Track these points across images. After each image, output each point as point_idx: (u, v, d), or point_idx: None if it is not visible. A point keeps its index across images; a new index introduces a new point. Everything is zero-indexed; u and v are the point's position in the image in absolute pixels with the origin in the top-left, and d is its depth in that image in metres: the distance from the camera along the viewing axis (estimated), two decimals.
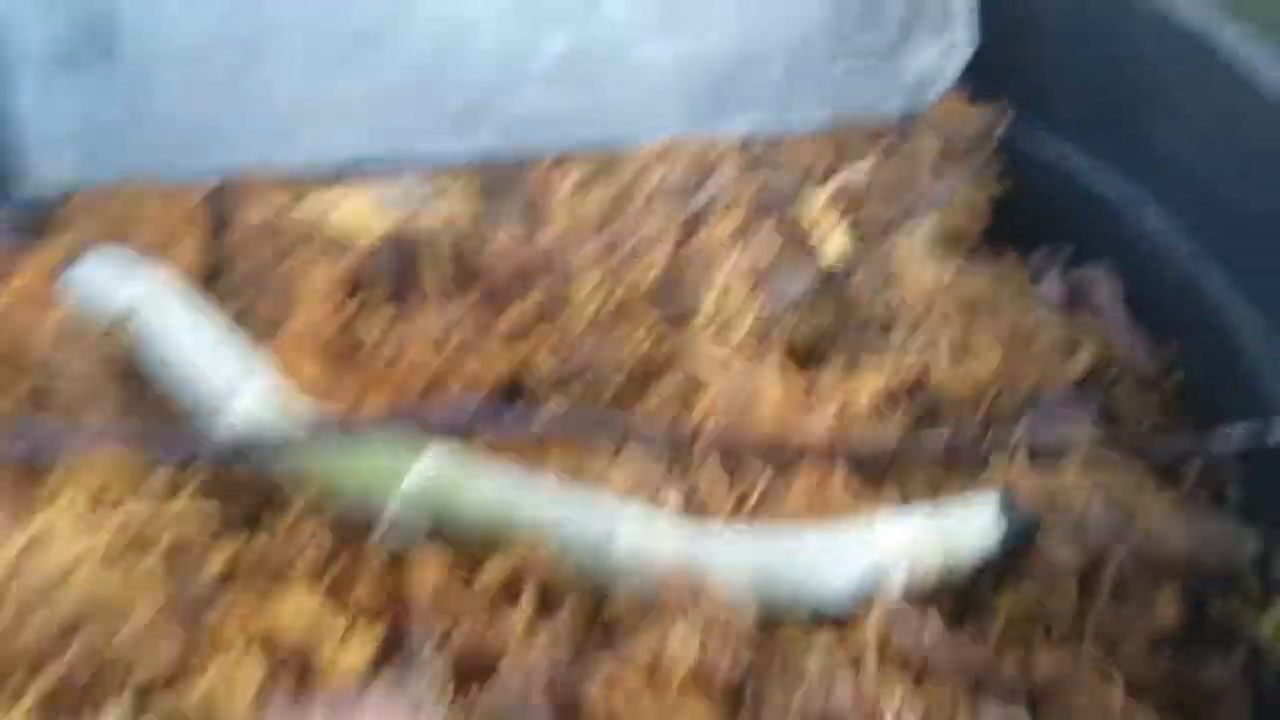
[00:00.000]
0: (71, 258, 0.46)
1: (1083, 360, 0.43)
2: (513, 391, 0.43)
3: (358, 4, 0.48)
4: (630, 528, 0.36)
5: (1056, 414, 0.41)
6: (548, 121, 0.49)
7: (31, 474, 0.41)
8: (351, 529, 0.39)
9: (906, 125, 0.48)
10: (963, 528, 0.36)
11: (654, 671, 0.33)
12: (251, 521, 0.40)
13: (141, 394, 0.43)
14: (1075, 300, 0.46)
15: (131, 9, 0.48)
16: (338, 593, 0.38)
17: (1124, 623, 0.35)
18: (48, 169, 0.49)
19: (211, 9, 0.48)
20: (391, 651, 0.36)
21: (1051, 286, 0.46)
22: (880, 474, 0.39)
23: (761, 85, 0.48)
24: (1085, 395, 0.43)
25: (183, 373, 0.42)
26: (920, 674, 0.34)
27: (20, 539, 0.37)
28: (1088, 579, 0.36)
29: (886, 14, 0.47)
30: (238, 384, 0.41)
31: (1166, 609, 0.35)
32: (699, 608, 0.34)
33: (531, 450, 0.41)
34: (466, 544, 0.38)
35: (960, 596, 0.37)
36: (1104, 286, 0.47)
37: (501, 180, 0.50)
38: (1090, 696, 0.34)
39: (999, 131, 0.48)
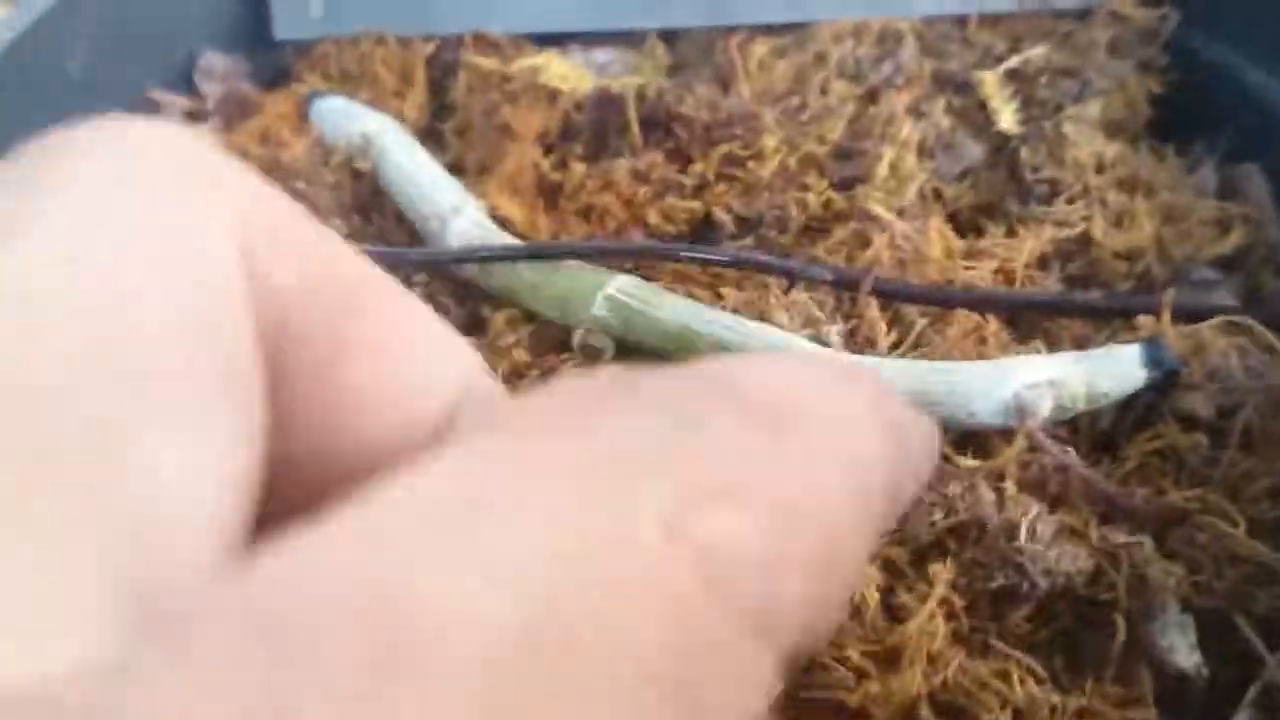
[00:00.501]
0: (314, 95, 0.51)
1: (1232, 241, 0.45)
2: (697, 236, 0.47)
3: None
4: (805, 347, 0.40)
5: (1203, 287, 0.44)
6: None
7: None
8: (548, 342, 0.44)
9: (1081, 16, 0.51)
10: (1108, 369, 0.39)
11: None
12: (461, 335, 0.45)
13: (371, 218, 0.49)
14: (1227, 191, 0.49)
15: None
16: None
17: (1250, 470, 0.38)
18: (296, 21, 0.54)
19: None
20: None
21: (1207, 176, 0.48)
22: (1031, 326, 0.42)
23: None
24: (1231, 273, 0.45)
25: (414, 193, 0.47)
26: (1056, 499, 0.38)
27: None
28: (1219, 429, 0.39)
29: None
30: (459, 205, 0.46)
31: None
32: None
33: (708, 284, 0.45)
34: (651, 362, 0.43)
35: (1099, 437, 0.40)
36: (1256, 181, 0.49)
37: (694, 50, 0.54)
38: (1212, 532, 0.37)
39: (1166, 30, 0.50)
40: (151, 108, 0.54)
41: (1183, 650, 0.35)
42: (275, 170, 0.49)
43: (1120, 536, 0.37)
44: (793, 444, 0.13)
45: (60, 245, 0.13)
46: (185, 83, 0.55)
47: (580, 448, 0.12)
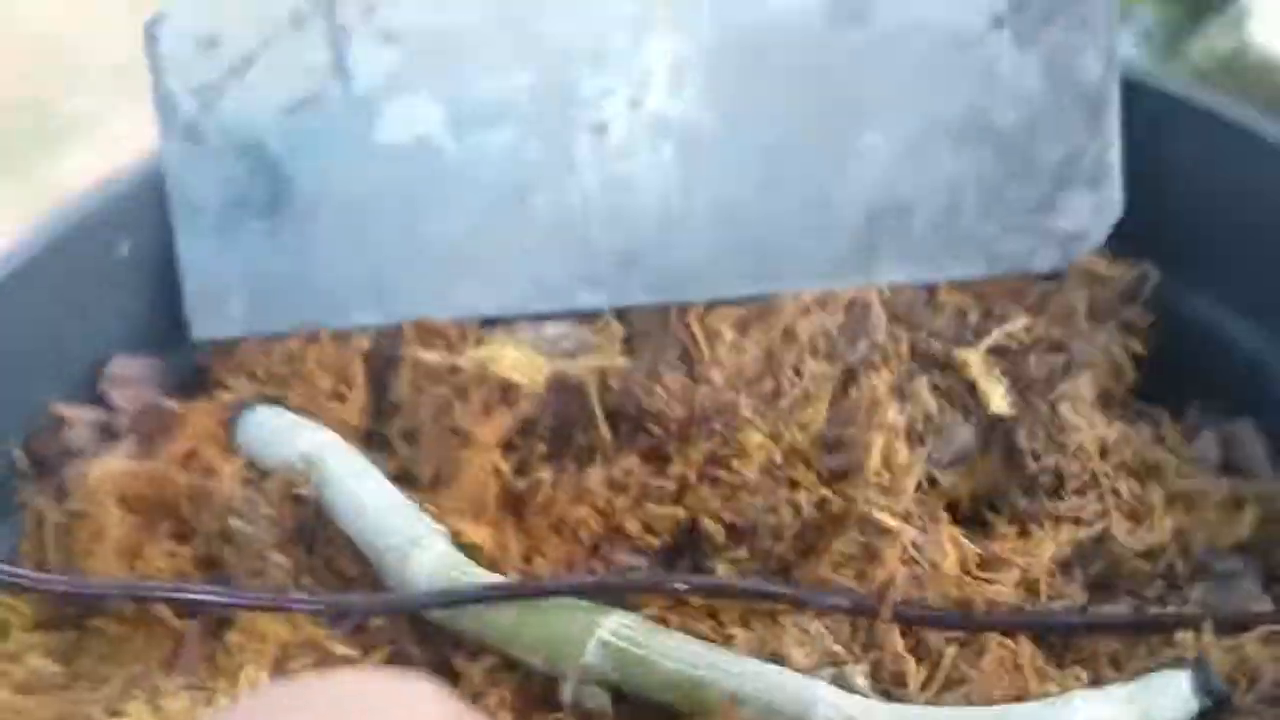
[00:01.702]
0: (242, 408, 0.47)
1: (1246, 522, 0.43)
2: (683, 545, 0.44)
3: (516, 159, 0.49)
4: (832, 698, 0.36)
5: (1229, 580, 0.41)
6: (699, 273, 0.50)
7: (215, 630, 0.42)
8: (535, 697, 0.40)
9: (1053, 280, 0.49)
10: (1161, 704, 0.36)
11: None
12: None
13: (315, 549, 0.44)
14: (1229, 458, 0.47)
15: (300, 163, 0.49)
16: None
17: None
18: (215, 319, 0.50)
19: (375, 164, 0.49)
20: None
21: (1208, 444, 0.46)
22: (1065, 645, 0.39)
23: (912, 238, 0.49)
24: (1251, 555, 0.43)
25: (365, 525, 0.43)
26: None
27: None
28: None
29: (1040, 169, 0.48)
30: (419, 536, 0.42)
31: None
32: None
33: (707, 612, 0.41)
34: (655, 713, 0.39)
35: None
36: (1251, 442, 0.47)
37: (651, 323, 0.51)
38: None
39: (1146, 288, 0.49)
40: (56, 425, 0.48)
41: None
42: (205, 504, 0.44)
43: None
44: None
45: None
46: (93, 393, 0.50)
47: None
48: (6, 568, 0.42)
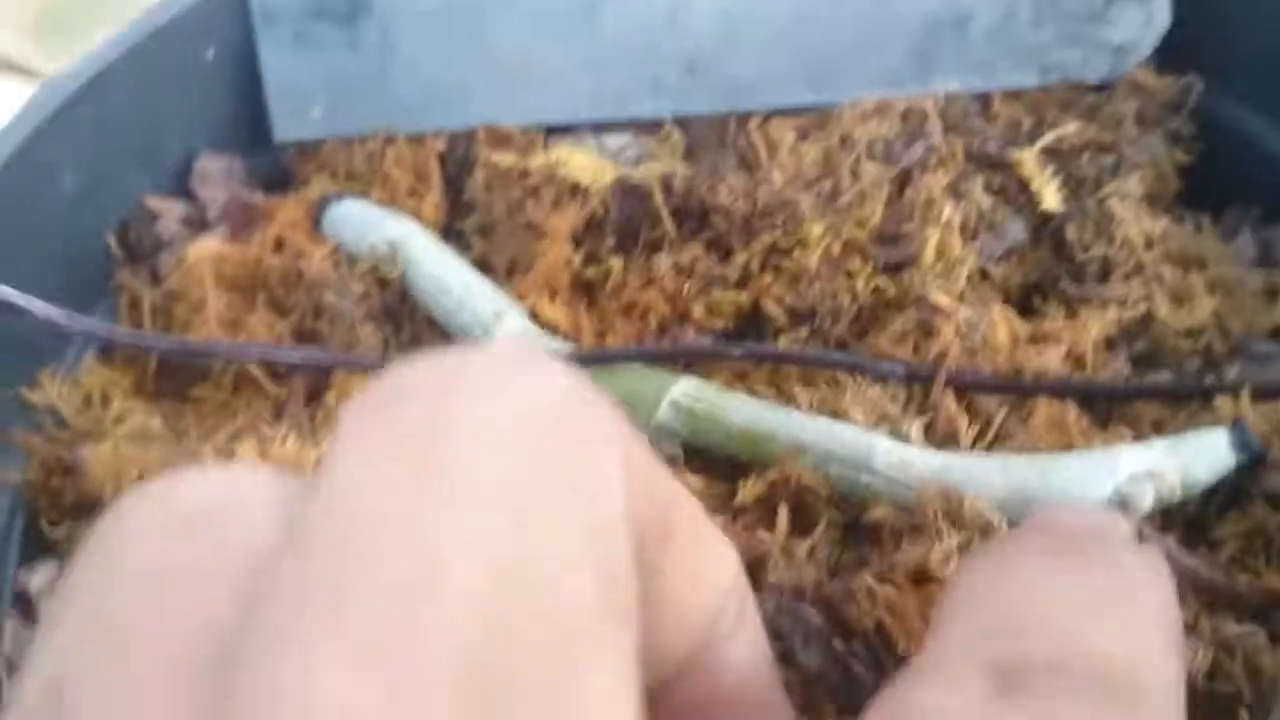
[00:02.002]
0: (329, 199, 0.49)
1: None
2: (745, 329, 0.46)
3: None
4: (889, 445, 0.39)
5: (1265, 360, 0.44)
6: (760, 82, 0.52)
7: (314, 393, 0.45)
8: None
9: (1103, 89, 0.51)
10: (1200, 457, 0.38)
11: (918, 580, 0.36)
12: None
13: (402, 327, 0.47)
14: (1264, 257, 0.49)
15: None
16: None
17: None
18: (297, 121, 0.52)
19: None
20: None
21: (1245, 243, 0.48)
22: (1110, 411, 0.42)
23: (967, 47, 0.51)
24: None
25: (449, 303, 0.45)
26: None
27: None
28: None
29: None
30: (501, 312, 0.44)
31: None
32: (958, 522, 0.37)
33: (769, 382, 0.44)
34: (720, 467, 0.42)
35: (1187, 524, 0.40)
36: None
37: (710, 133, 0.53)
38: None
39: (1190, 99, 0.51)
40: (149, 217, 0.51)
41: None
42: (298, 283, 0.47)
43: (1232, 627, 0.36)
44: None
45: (501, 503, 0.14)
46: (181, 189, 0.52)
47: None
48: (113, 327, 0.44)
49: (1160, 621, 0.21)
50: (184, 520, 0.16)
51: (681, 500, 0.19)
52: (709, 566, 0.21)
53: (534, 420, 0.16)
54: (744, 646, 0.22)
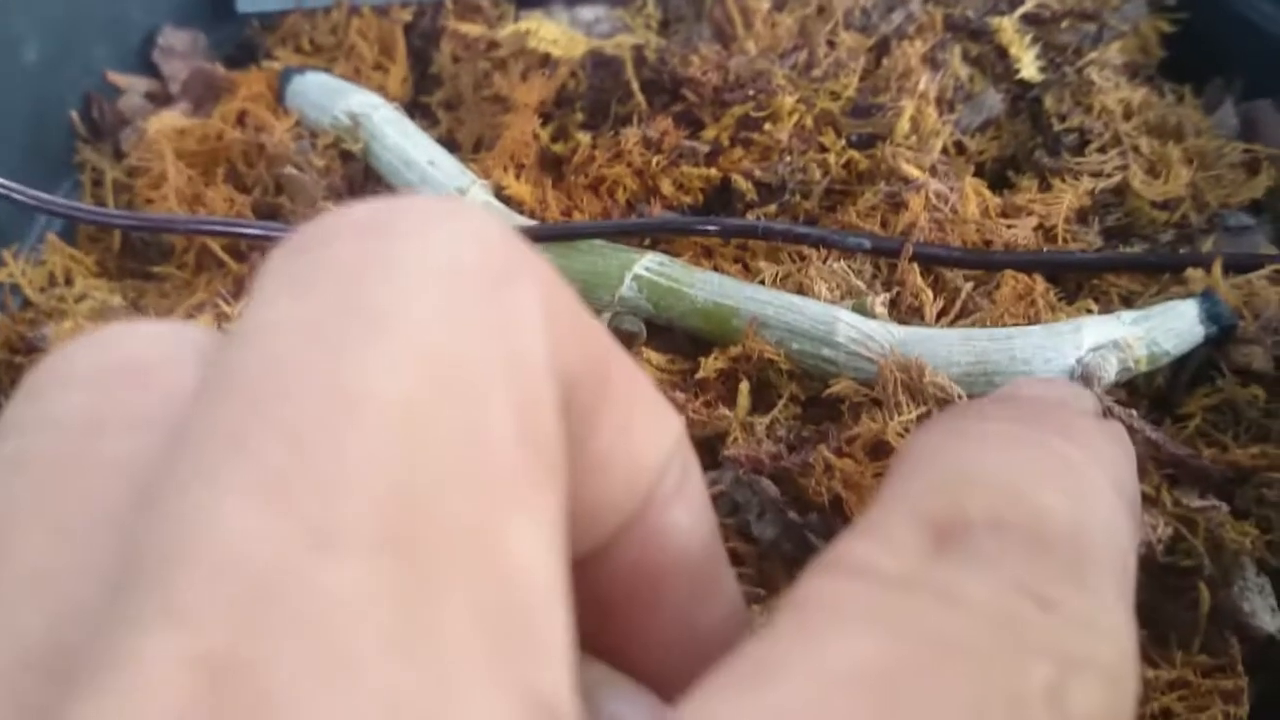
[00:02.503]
0: (291, 72, 0.48)
1: (1261, 184, 0.44)
2: (715, 204, 0.45)
3: None
4: (851, 320, 0.38)
5: (1240, 233, 0.43)
6: None
7: None
8: None
9: None
10: (1167, 327, 0.38)
11: (875, 453, 0.36)
12: None
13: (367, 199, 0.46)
14: (1247, 131, 0.48)
15: None
16: None
17: None
18: None
19: None
20: None
21: (1227, 115, 0.47)
22: (1080, 284, 0.41)
23: None
24: (1263, 216, 0.45)
25: (412, 176, 0.44)
26: None
27: None
28: (1276, 382, 0.38)
29: None
30: (465, 187, 0.44)
31: None
32: (917, 395, 0.36)
33: (735, 257, 0.43)
34: (683, 343, 0.41)
35: (1157, 395, 0.39)
36: (1273, 120, 0.48)
37: (688, 8, 0.52)
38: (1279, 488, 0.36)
39: None
40: (112, 92, 0.50)
41: (1265, 614, 0.35)
42: (259, 156, 0.46)
43: (1194, 500, 0.36)
44: (1102, 587, 0.17)
45: (418, 347, 0.14)
46: (144, 64, 0.51)
47: (964, 625, 0.15)
48: (75, 204, 0.44)
49: (1115, 490, 0.20)
50: (111, 370, 0.16)
51: (618, 357, 0.19)
52: (649, 426, 0.20)
53: (458, 263, 0.15)
54: (686, 511, 0.22)
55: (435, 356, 0.14)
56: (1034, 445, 0.20)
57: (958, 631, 0.15)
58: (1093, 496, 0.20)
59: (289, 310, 0.14)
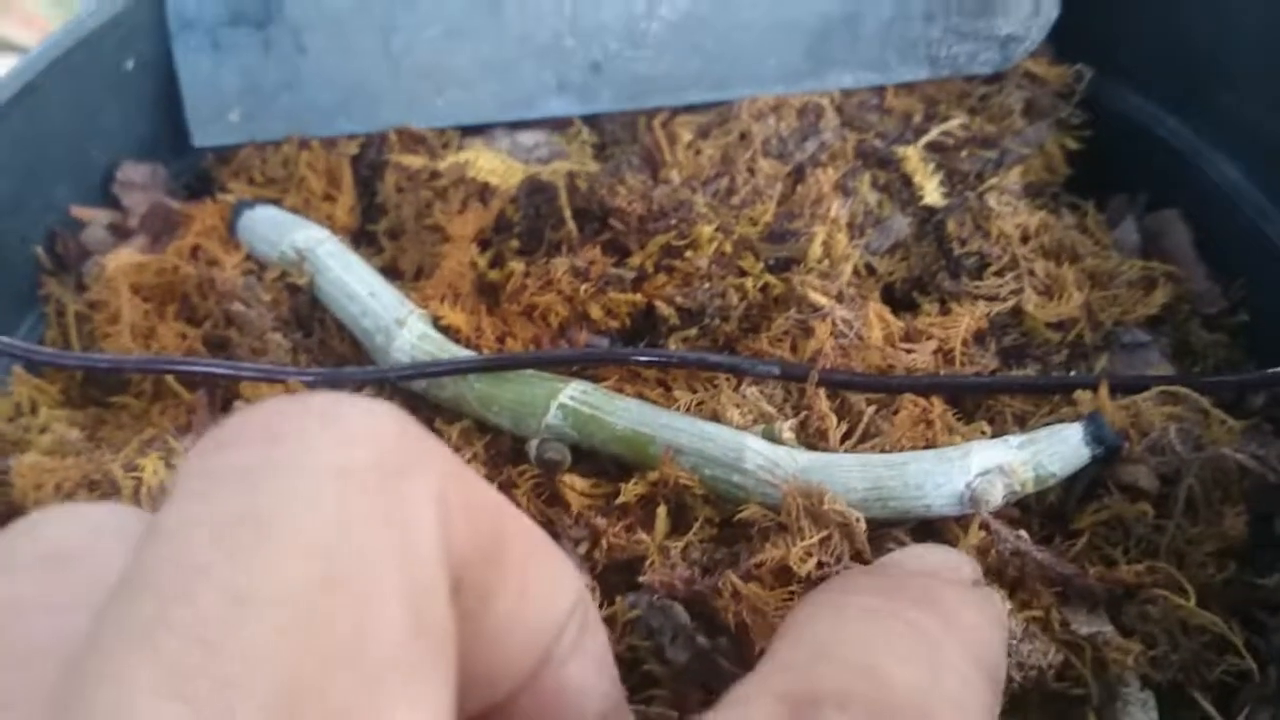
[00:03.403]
0: (241, 206, 0.51)
1: (1158, 300, 0.47)
2: (640, 328, 0.48)
3: None
4: (759, 447, 0.40)
5: (1134, 350, 0.45)
6: (663, 81, 0.53)
7: (223, 403, 0.47)
8: (503, 454, 0.45)
9: (996, 80, 0.52)
10: (1053, 450, 0.40)
11: (780, 577, 0.38)
12: None
13: (311, 332, 0.49)
14: (1150, 244, 0.50)
15: None
16: None
17: (1195, 537, 0.40)
18: (214, 127, 0.54)
19: None
20: None
21: (1129, 231, 0.50)
22: (975, 406, 0.43)
23: (861, 44, 0.52)
24: (1159, 332, 0.47)
25: (355, 309, 0.47)
26: (1015, 583, 0.39)
27: None
28: (1163, 498, 0.41)
29: None
30: (403, 318, 0.46)
31: (1234, 525, 0.40)
32: (819, 520, 0.39)
33: (658, 381, 0.46)
34: (606, 468, 0.44)
35: (1048, 511, 0.42)
36: (1176, 231, 0.51)
37: (619, 129, 0.55)
38: (1165, 605, 0.39)
39: (1081, 88, 0.52)
40: (75, 226, 0.53)
41: None
42: (210, 291, 0.49)
43: (1081, 623, 0.38)
44: None
45: (308, 548, 0.16)
46: (106, 196, 0.54)
47: None
48: (32, 346, 0.46)
49: (971, 660, 0.22)
50: (44, 557, 0.19)
51: (517, 527, 0.21)
52: (547, 589, 0.22)
53: (350, 464, 0.17)
54: (584, 667, 0.23)
55: (325, 556, 0.16)
56: (891, 618, 0.22)
57: None
58: (945, 669, 0.21)
59: (194, 513, 0.16)
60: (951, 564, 0.28)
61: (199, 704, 0.14)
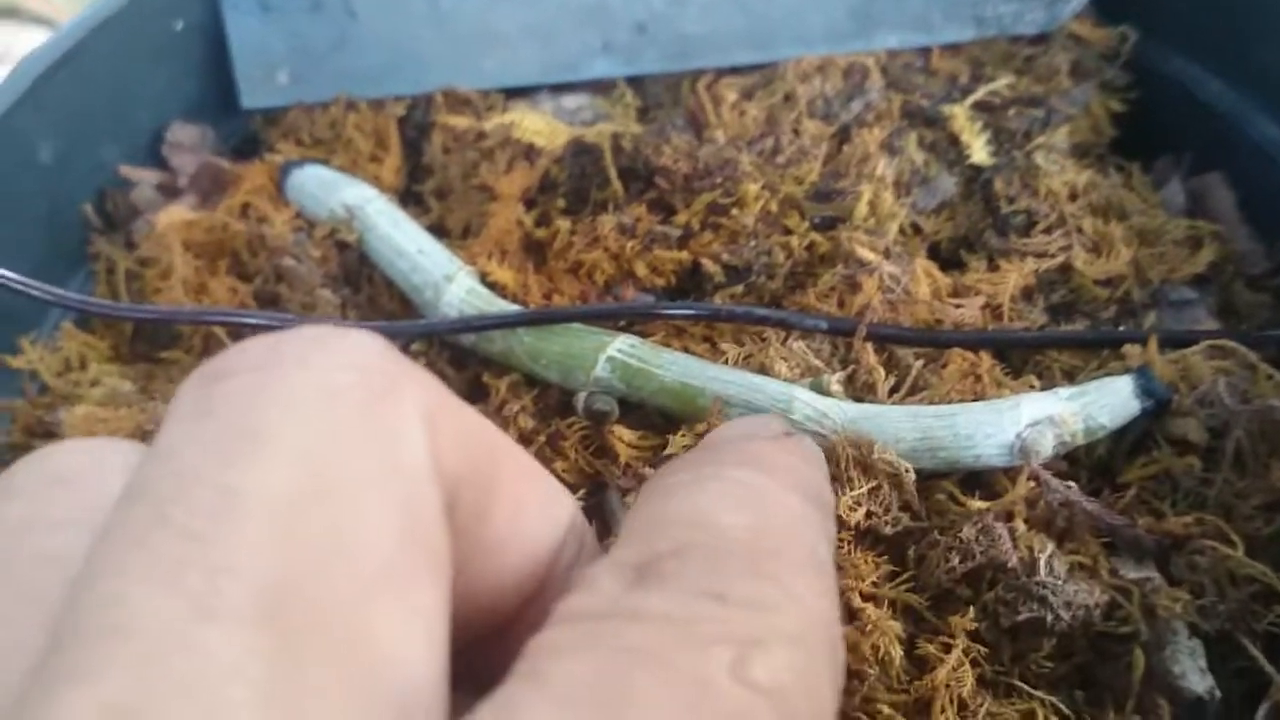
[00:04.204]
0: (291, 165, 0.51)
1: (1204, 259, 0.47)
2: (686, 285, 0.48)
3: None
4: (807, 398, 0.41)
5: (1181, 308, 0.45)
6: (708, 42, 0.53)
7: None
8: (551, 407, 0.45)
9: (1041, 42, 0.52)
10: (1103, 403, 0.40)
11: None
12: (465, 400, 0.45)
13: (360, 288, 0.49)
14: (1195, 205, 0.50)
15: None
16: (542, 463, 0.43)
17: (1243, 490, 0.40)
18: (263, 89, 0.54)
19: None
20: (589, 518, 0.41)
21: (1174, 191, 0.50)
22: (1023, 360, 0.44)
23: (905, 4, 0.52)
24: (1205, 291, 0.47)
25: (404, 265, 0.47)
26: (1063, 534, 0.39)
27: None
28: (1211, 450, 0.41)
29: None
30: (451, 274, 0.47)
31: None
32: (868, 470, 0.39)
33: (705, 337, 0.46)
34: (654, 420, 0.44)
35: (1097, 465, 0.42)
36: (1221, 193, 0.50)
37: (663, 92, 0.55)
38: (1213, 556, 0.39)
39: (1126, 49, 0.52)
40: (124, 185, 0.53)
41: (1194, 676, 0.37)
42: (260, 247, 0.49)
43: (1130, 570, 0.38)
44: (780, 573, 0.20)
45: (297, 457, 0.17)
46: (154, 157, 0.55)
47: (650, 633, 0.18)
48: (86, 298, 0.47)
49: (798, 493, 0.24)
50: (49, 481, 0.20)
51: (507, 452, 0.22)
52: (541, 510, 0.23)
53: (339, 387, 0.18)
54: None
55: (313, 464, 0.17)
56: (715, 479, 0.24)
57: (645, 640, 0.18)
58: (771, 505, 0.23)
59: (189, 432, 0.17)
60: (760, 424, 0.30)
61: (190, 593, 0.15)
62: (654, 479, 0.26)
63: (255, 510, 0.16)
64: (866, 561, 0.38)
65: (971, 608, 0.37)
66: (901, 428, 0.40)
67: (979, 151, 0.48)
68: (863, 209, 0.47)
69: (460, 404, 0.21)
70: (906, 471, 0.39)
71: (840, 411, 0.41)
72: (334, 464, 0.17)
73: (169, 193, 0.53)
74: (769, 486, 0.24)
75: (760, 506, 0.23)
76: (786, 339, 0.44)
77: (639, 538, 0.22)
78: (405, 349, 0.47)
